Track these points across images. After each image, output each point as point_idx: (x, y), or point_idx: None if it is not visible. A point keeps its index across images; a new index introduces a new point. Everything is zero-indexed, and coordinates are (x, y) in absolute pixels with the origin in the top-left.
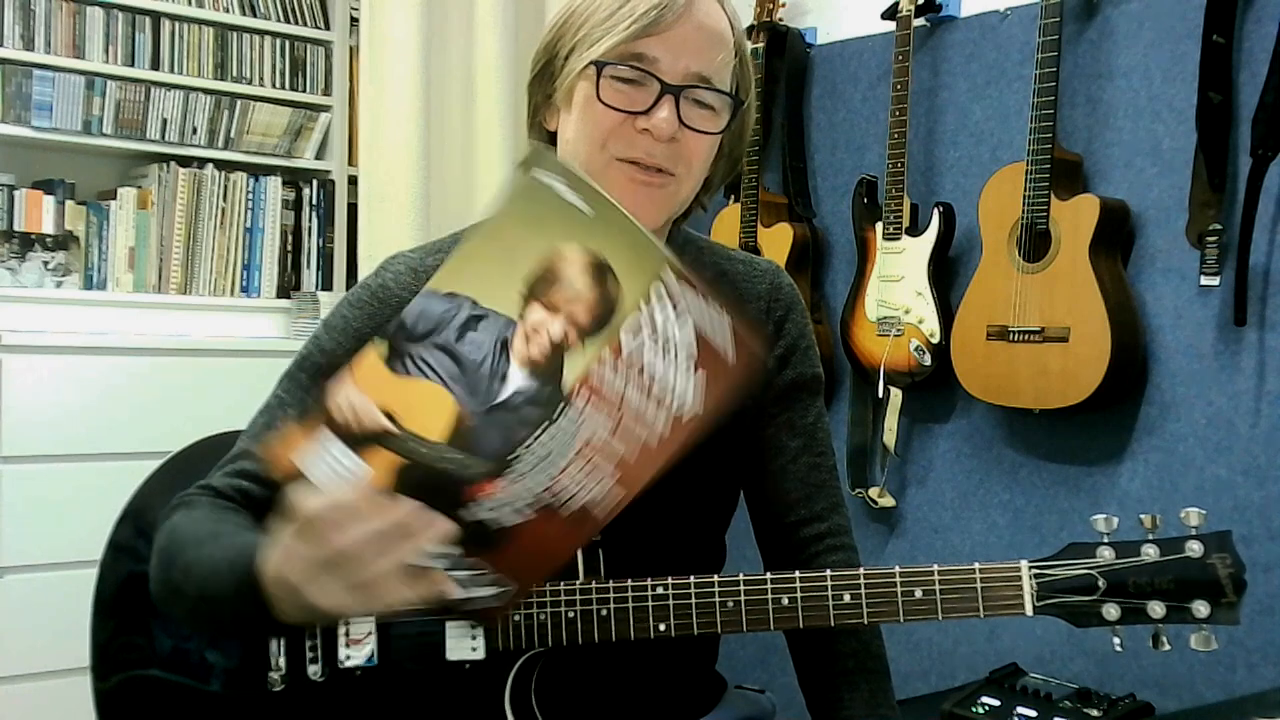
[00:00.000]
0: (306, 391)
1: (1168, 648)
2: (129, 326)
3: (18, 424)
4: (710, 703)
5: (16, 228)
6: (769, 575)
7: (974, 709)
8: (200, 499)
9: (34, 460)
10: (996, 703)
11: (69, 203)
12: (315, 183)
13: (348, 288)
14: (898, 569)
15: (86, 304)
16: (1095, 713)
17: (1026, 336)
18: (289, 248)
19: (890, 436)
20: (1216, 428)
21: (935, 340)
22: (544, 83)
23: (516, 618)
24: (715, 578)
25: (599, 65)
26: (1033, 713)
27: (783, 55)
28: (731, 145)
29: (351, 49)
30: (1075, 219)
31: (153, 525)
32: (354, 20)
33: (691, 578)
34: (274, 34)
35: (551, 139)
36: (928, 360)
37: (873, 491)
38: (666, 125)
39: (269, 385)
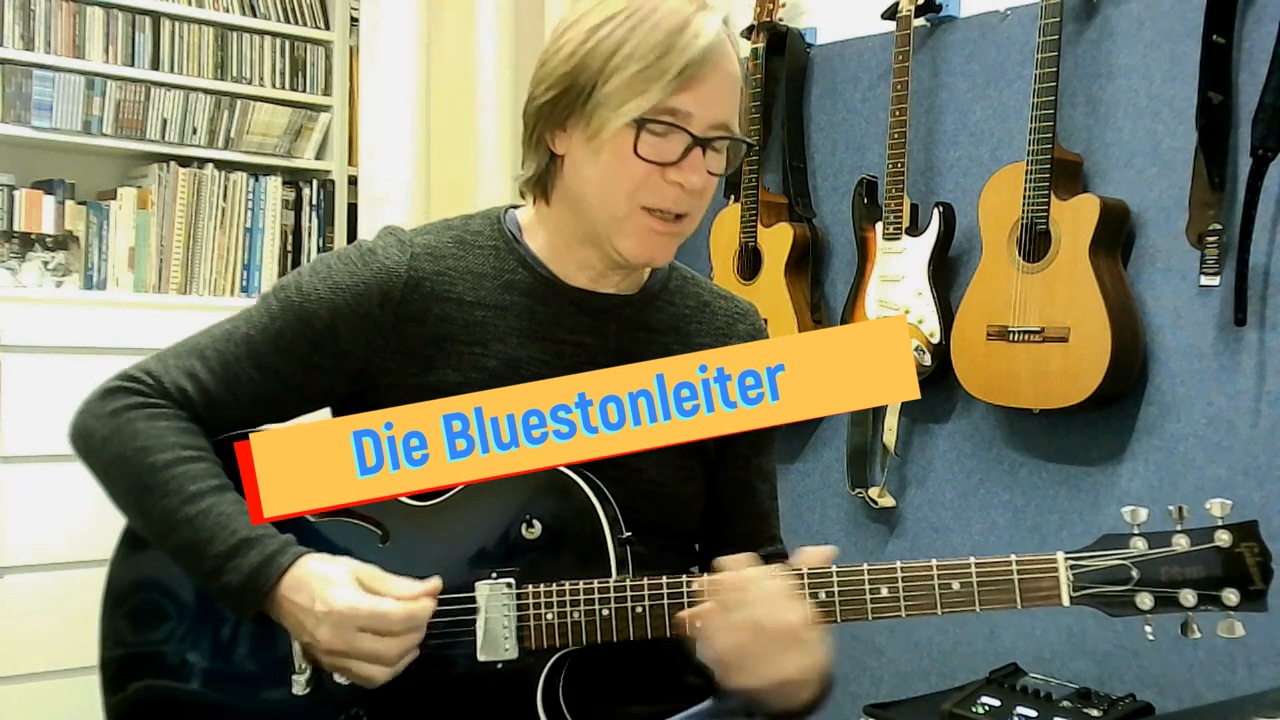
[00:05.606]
0: (273, 320)
1: (1198, 635)
2: (129, 326)
3: (18, 424)
4: (711, 687)
5: (16, 228)
6: (805, 570)
7: (974, 709)
8: (164, 408)
9: (34, 460)
10: (996, 703)
11: (69, 203)
12: (315, 183)
13: None
14: (935, 562)
15: (86, 304)
16: (1095, 713)
17: (1026, 336)
18: (289, 248)
19: (890, 436)
20: (1216, 428)
21: (935, 340)
22: (559, 110)
23: (549, 617)
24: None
25: (640, 122)
26: (1033, 713)
27: (783, 55)
28: None
29: (351, 49)
30: (1075, 219)
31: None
32: (354, 20)
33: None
34: (274, 34)
35: (552, 159)
36: (928, 360)
37: (873, 491)
38: (699, 180)
39: None
